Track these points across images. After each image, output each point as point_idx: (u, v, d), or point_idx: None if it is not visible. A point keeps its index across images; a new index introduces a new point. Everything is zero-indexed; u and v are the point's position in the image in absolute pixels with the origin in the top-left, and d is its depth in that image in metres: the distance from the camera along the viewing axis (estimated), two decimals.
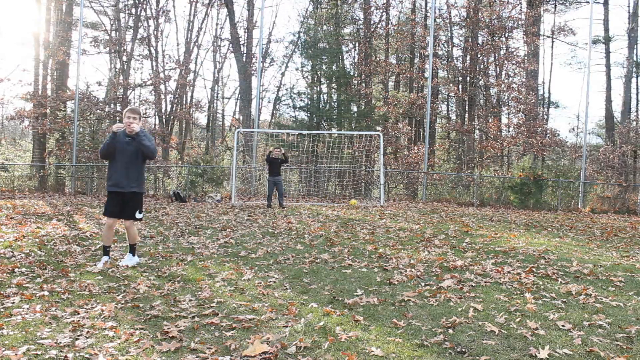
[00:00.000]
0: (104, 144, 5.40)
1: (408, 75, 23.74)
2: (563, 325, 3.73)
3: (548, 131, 21.57)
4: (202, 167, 17.06)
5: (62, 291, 4.40)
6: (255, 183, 18.47)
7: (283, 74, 32.14)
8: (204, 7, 25.71)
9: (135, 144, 5.39)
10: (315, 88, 23.65)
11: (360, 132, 19.04)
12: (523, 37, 23.36)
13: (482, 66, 23.19)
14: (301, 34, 24.62)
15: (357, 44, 24.77)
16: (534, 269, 5.69)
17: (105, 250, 5.56)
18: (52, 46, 20.64)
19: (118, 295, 4.34)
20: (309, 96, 23.24)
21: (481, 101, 24.08)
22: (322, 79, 23.50)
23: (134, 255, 5.66)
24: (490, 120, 22.84)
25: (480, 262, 6.10)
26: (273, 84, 32.31)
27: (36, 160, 20.00)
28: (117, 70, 24.21)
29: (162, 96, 23.28)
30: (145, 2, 23.61)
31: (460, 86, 24.00)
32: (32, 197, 15.04)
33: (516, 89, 22.27)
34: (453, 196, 18.05)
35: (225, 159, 24.33)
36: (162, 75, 23.11)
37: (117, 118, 21.49)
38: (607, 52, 24.80)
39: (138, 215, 5.54)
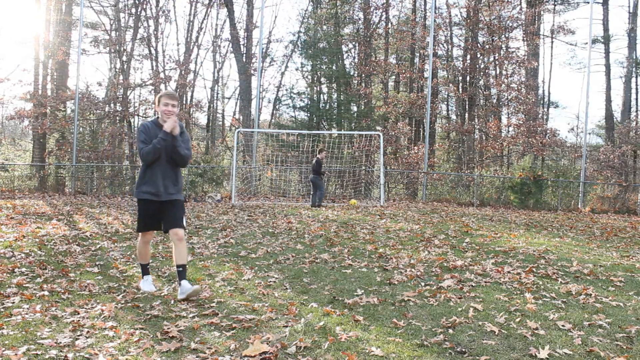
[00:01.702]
0: (152, 146, 4.21)
1: (408, 75, 23.74)
2: (563, 325, 3.73)
3: (548, 131, 21.57)
4: (202, 167, 17.06)
5: (62, 291, 4.40)
6: (255, 183, 18.48)
7: (283, 74, 32.01)
8: (204, 7, 25.69)
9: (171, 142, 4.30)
10: (315, 88, 23.64)
11: (360, 132, 19.04)
12: (523, 37, 23.36)
13: (482, 66, 23.19)
14: (301, 34, 24.62)
15: (357, 44, 24.76)
16: (534, 269, 5.69)
17: (145, 269, 4.63)
18: (52, 46, 20.63)
19: (118, 295, 4.34)
20: (308, 96, 23.23)
21: (481, 101, 24.08)
22: (322, 79, 23.48)
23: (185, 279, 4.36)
24: (490, 120, 22.84)
25: (480, 262, 6.10)
26: (273, 84, 32.23)
27: (36, 160, 20.00)
28: (117, 70, 24.20)
29: None
30: (145, 2, 23.60)
31: (460, 86, 23.99)
32: (32, 197, 15.03)
33: (516, 88, 22.26)
34: (453, 196, 18.05)
35: (225, 159, 24.31)
36: (162, 75, 23.08)
37: (117, 118, 21.49)
38: (607, 52, 24.79)
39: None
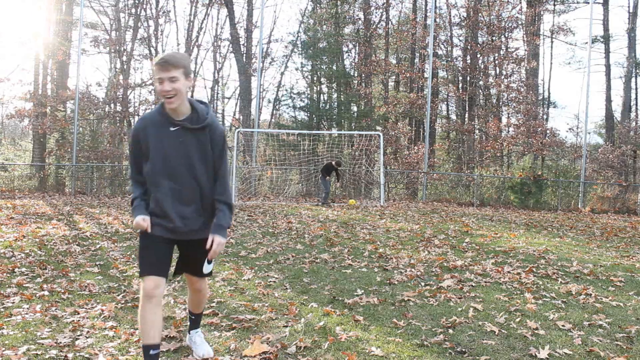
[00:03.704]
0: (133, 207, 2.66)
1: (408, 75, 23.74)
2: (563, 325, 3.73)
3: (548, 131, 21.56)
4: None
5: (62, 291, 4.40)
6: (255, 183, 18.47)
7: (283, 74, 32.03)
8: (204, 7, 25.69)
9: (193, 138, 2.61)
10: (315, 88, 23.63)
11: (360, 132, 19.03)
12: (523, 37, 23.36)
13: (482, 66, 23.18)
14: (301, 34, 24.62)
15: (357, 44, 24.76)
16: (534, 269, 5.69)
17: (150, 356, 2.55)
18: (52, 46, 20.63)
19: (118, 295, 4.34)
20: (308, 96, 23.23)
21: (481, 101, 24.07)
22: (322, 79, 23.48)
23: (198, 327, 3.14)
24: (490, 120, 22.84)
25: (480, 262, 6.10)
26: (273, 84, 32.23)
27: (36, 160, 20.00)
28: (117, 70, 24.20)
29: None
30: (145, 2, 23.59)
31: (460, 86, 23.98)
32: (32, 197, 15.04)
33: (516, 88, 22.26)
34: (453, 196, 18.05)
35: None
36: None
37: (117, 118, 21.48)
38: (607, 52, 24.77)
39: (207, 268, 2.90)
